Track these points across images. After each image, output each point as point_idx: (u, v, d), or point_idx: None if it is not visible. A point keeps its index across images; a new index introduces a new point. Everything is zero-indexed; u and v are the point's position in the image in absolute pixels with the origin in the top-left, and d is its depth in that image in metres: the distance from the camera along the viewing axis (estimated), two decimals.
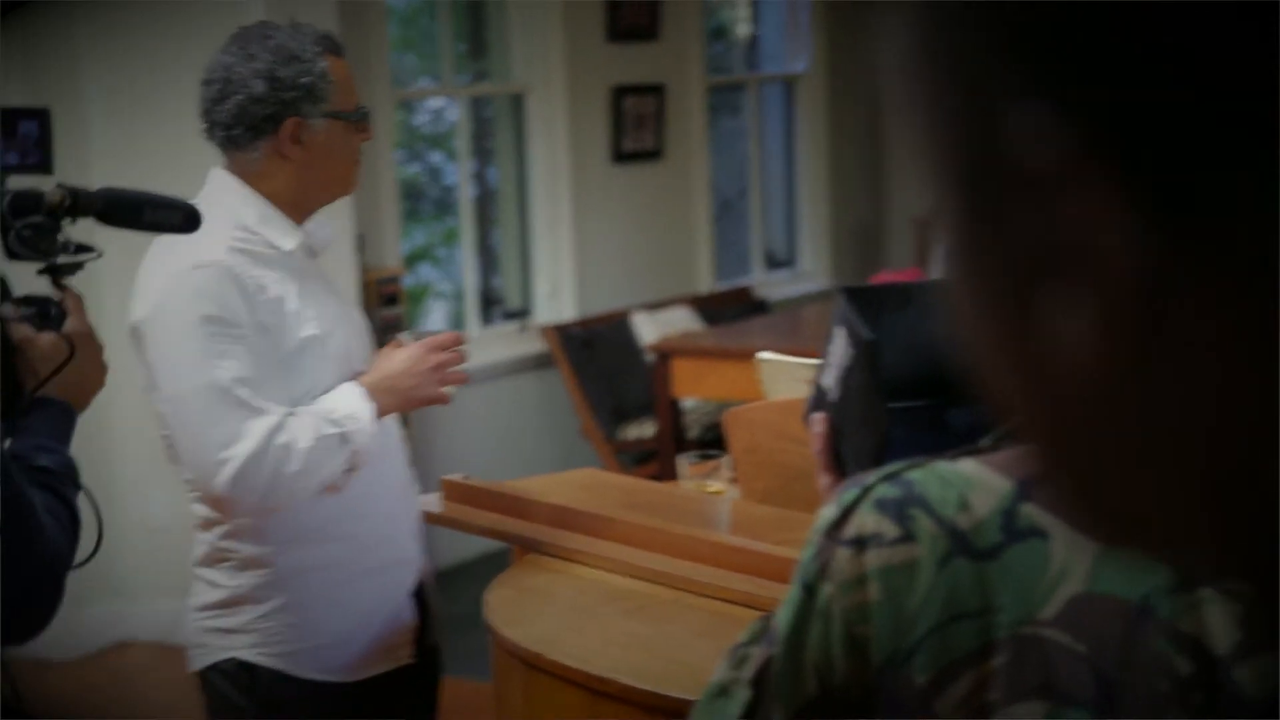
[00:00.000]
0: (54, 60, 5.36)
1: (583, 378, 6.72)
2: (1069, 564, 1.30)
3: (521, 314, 7.10)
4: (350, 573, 2.60)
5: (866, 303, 1.58)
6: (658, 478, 5.84)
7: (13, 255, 2.01)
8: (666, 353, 6.17)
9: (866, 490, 1.38)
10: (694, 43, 7.60)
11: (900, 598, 1.32)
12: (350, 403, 2.52)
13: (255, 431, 2.42)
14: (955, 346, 1.82)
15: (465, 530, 2.94)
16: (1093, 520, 0.62)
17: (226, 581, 2.57)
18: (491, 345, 6.80)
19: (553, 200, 7.00)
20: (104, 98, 5.38)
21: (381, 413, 2.55)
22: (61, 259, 2.03)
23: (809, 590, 1.39)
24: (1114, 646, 1.29)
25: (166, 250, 2.49)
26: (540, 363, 6.89)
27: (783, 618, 1.41)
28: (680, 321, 7.11)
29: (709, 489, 3.12)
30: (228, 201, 2.54)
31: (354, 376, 2.58)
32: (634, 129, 7.30)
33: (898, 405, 1.56)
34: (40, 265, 2.03)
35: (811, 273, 8.65)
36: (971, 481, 1.34)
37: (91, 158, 5.45)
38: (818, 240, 8.67)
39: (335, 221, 3.10)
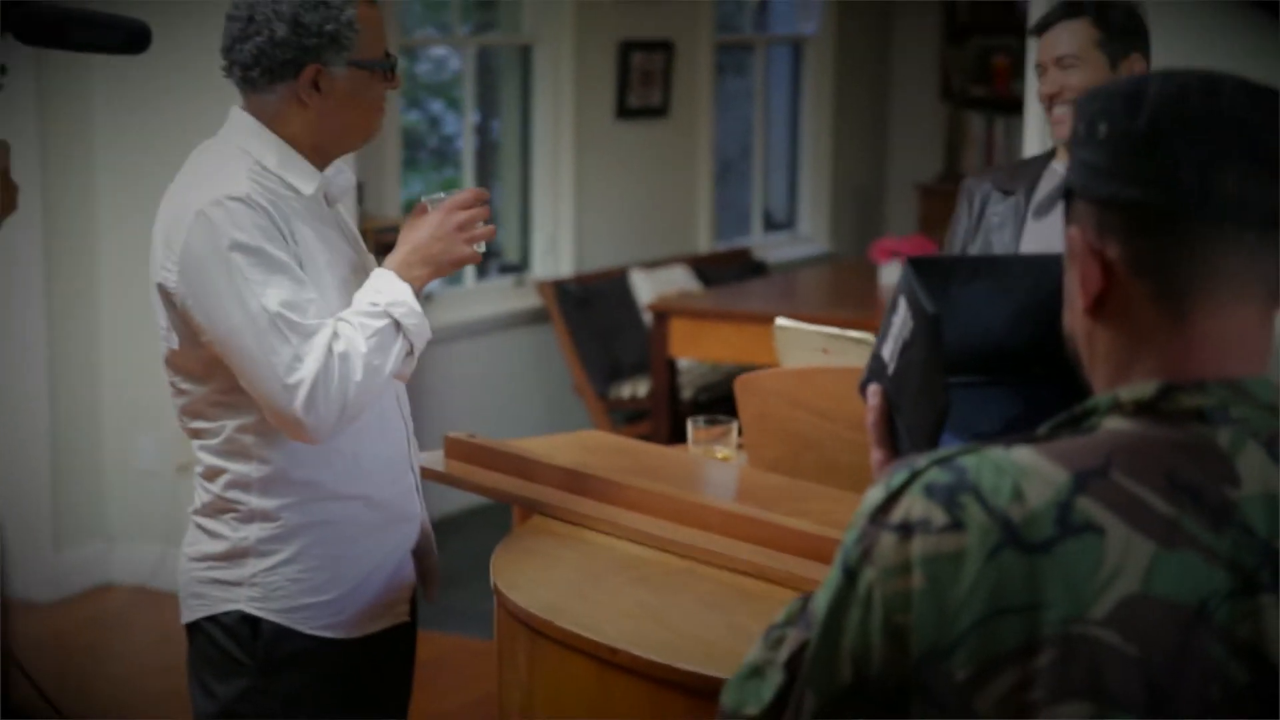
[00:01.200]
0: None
1: (577, 334, 6.67)
2: (1124, 562, 1.25)
3: (518, 268, 7.05)
4: (357, 529, 2.56)
5: (932, 275, 1.53)
6: (649, 437, 5.81)
7: None
8: (664, 312, 6.13)
9: (916, 474, 1.34)
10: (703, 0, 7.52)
11: (944, 588, 1.28)
12: (388, 289, 2.47)
13: (316, 350, 2.38)
14: (1028, 322, 1.74)
15: (469, 490, 2.89)
16: None
17: (230, 533, 2.52)
18: (487, 299, 6.74)
19: (555, 155, 6.94)
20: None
21: (420, 283, 2.51)
22: None
23: (850, 575, 1.34)
24: (1167, 651, 1.25)
25: (184, 193, 2.44)
26: (535, 318, 6.83)
27: (821, 601, 1.37)
28: (678, 281, 7.06)
29: (717, 454, 3.08)
30: (245, 142, 2.48)
31: None
32: (640, 85, 7.24)
33: (956, 381, 1.51)
34: None
35: (810, 236, 8.60)
36: (1027, 470, 1.30)
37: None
38: (818, 203, 8.61)
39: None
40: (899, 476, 1.34)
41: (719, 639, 2.22)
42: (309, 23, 2.42)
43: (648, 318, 6.70)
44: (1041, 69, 3.20)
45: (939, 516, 1.29)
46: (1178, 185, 1.28)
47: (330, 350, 2.38)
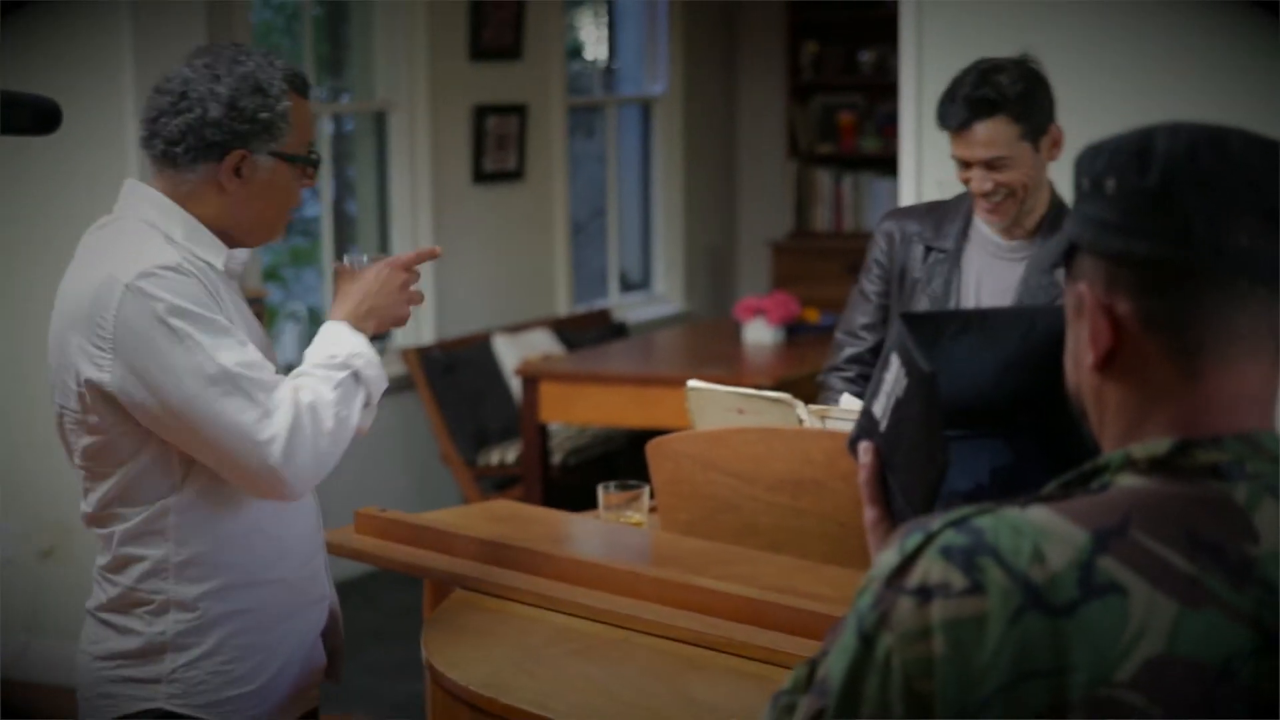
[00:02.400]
0: None
1: (443, 402, 6.60)
2: (1148, 623, 1.24)
3: (380, 336, 6.94)
4: (275, 615, 2.47)
5: (924, 330, 1.52)
6: (523, 502, 5.75)
7: None
8: (533, 376, 6.09)
9: (931, 536, 1.32)
10: (556, 63, 7.54)
11: (967, 653, 1.26)
12: (346, 341, 2.44)
13: (282, 403, 2.33)
14: (1014, 373, 1.73)
15: (384, 566, 2.83)
16: None
17: (143, 628, 2.42)
18: None
19: (413, 220, 6.88)
20: None
21: (368, 335, 2.48)
22: None
23: (866, 640, 1.32)
24: (1192, 711, 1.25)
25: (95, 271, 2.34)
26: (397, 386, 6.74)
27: (835, 668, 1.34)
28: (541, 344, 7.03)
29: (628, 520, 3.05)
30: (149, 216, 2.40)
31: None
32: (496, 149, 7.22)
33: (950, 434, 1.50)
34: None
35: (666, 295, 8.63)
36: (1045, 531, 1.29)
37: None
38: (672, 263, 8.65)
39: None
40: (913, 539, 1.32)
41: (667, 708, 2.19)
42: (244, 107, 2.37)
43: (514, 383, 6.66)
44: (964, 164, 3.18)
45: (958, 580, 1.27)
46: (1191, 240, 1.29)
47: (296, 401, 2.34)
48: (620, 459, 6.72)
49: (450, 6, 6.94)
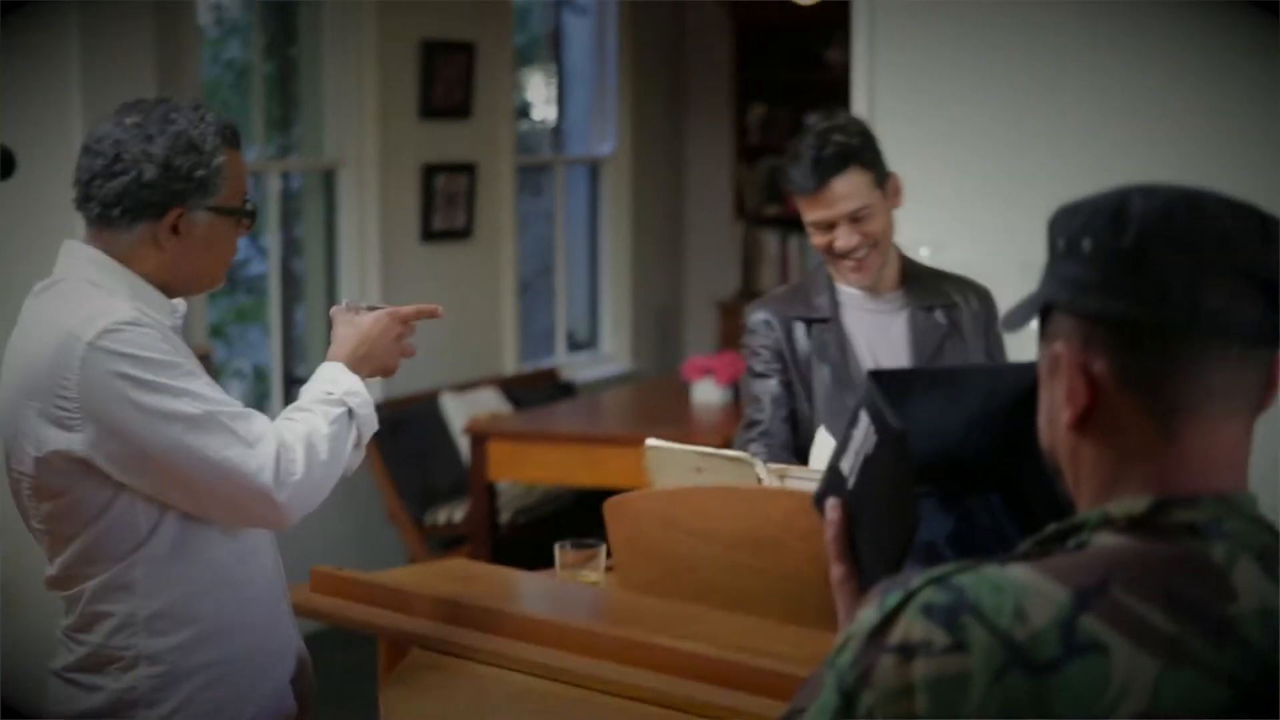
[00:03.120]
0: None
1: (390, 460, 6.56)
2: (1130, 682, 1.25)
3: None
4: (245, 666, 2.45)
5: (892, 388, 1.53)
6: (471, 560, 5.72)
7: None
8: (481, 435, 6.07)
9: (911, 594, 1.32)
10: (505, 122, 7.56)
11: (950, 710, 1.26)
12: (342, 380, 2.47)
13: (264, 432, 2.35)
14: (979, 431, 1.74)
15: (341, 624, 2.80)
16: None
17: (112, 684, 2.39)
18: None
19: (362, 278, 6.86)
20: None
21: (363, 378, 2.51)
22: None
23: (847, 698, 1.32)
24: None
25: (47, 335, 2.32)
26: None
27: None
28: (488, 403, 7.01)
29: (585, 579, 3.03)
30: (95, 276, 2.39)
31: None
32: (445, 207, 7.22)
33: (917, 491, 1.51)
34: None
35: (613, 354, 8.63)
36: (1026, 589, 1.29)
37: None
38: (619, 322, 8.66)
39: None
40: (893, 597, 1.32)
41: None
42: (179, 166, 2.37)
43: (462, 441, 6.63)
44: (825, 226, 3.16)
45: (940, 638, 1.27)
46: (1168, 300, 1.30)
47: (281, 432, 2.36)
48: (568, 518, 6.70)
49: (400, 65, 6.95)
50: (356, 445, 2.48)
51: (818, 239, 3.19)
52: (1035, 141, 4.53)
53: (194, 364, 2.41)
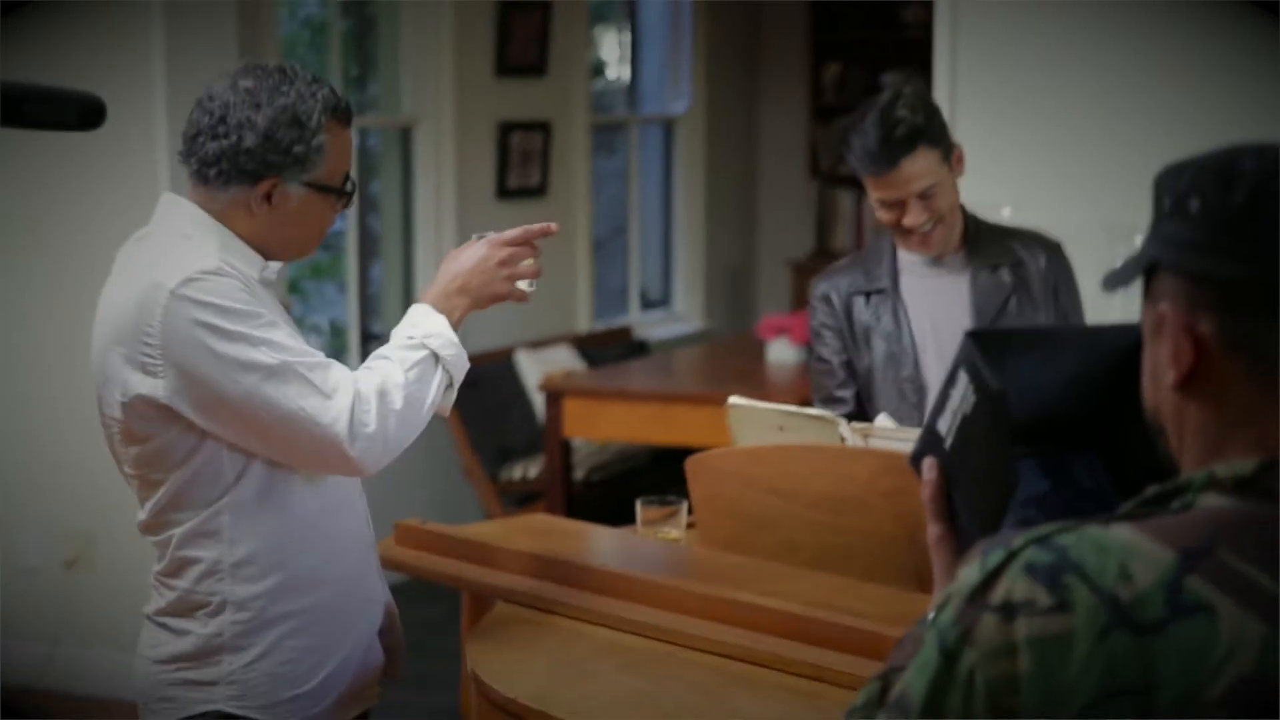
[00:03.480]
0: None
1: (466, 417, 6.60)
2: (1237, 643, 1.24)
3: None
4: (330, 615, 2.49)
5: (991, 347, 1.52)
6: None
7: None
8: (557, 393, 6.09)
9: (1014, 553, 1.32)
10: (580, 81, 7.55)
11: (1054, 670, 1.26)
12: (424, 322, 2.45)
13: (341, 384, 2.36)
14: (1078, 391, 1.72)
15: (426, 578, 2.83)
16: None
17: (200, 629, 2.43)
18: None
19: (438, 235, 6.89)
20: None
21: (457, 315, 2.48)
22: None
23: (949, 657, 1.32)
24: None
25: (138, 281, 2.36)
26: None
27: (916, 684, 1.34)
28: (563, 361, 7.03)
29: (666, 535, 3.05)
30: (188, 228, 2.42)
31: None
32: (520, 165, 7.23)
33: (1016, 451, 1.50)
34: None
35: (686, 313, 8.63)
36: (1130, 549, 1.28)
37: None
38: (692, 281, 8.65)
39: None
40: (995, 555, 1.32)
41: None
42: (280, 139, 2.38)
43: (536, 398, 6.66)
44: (895, 204, 3.14)
45: (1044, 597, 1.27)
46: (1276, 261, 1.29)
47: (358, 382, 2.37)
48: (642, 475, 6.72)
49: (476, 23, 6.96)
50: (448, 387, 2.47)
51: (885, 215, 3.18)
52: (1117, 105, 4.50)
53: (278, 315, 2.43)
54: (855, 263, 3.36)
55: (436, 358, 2.44)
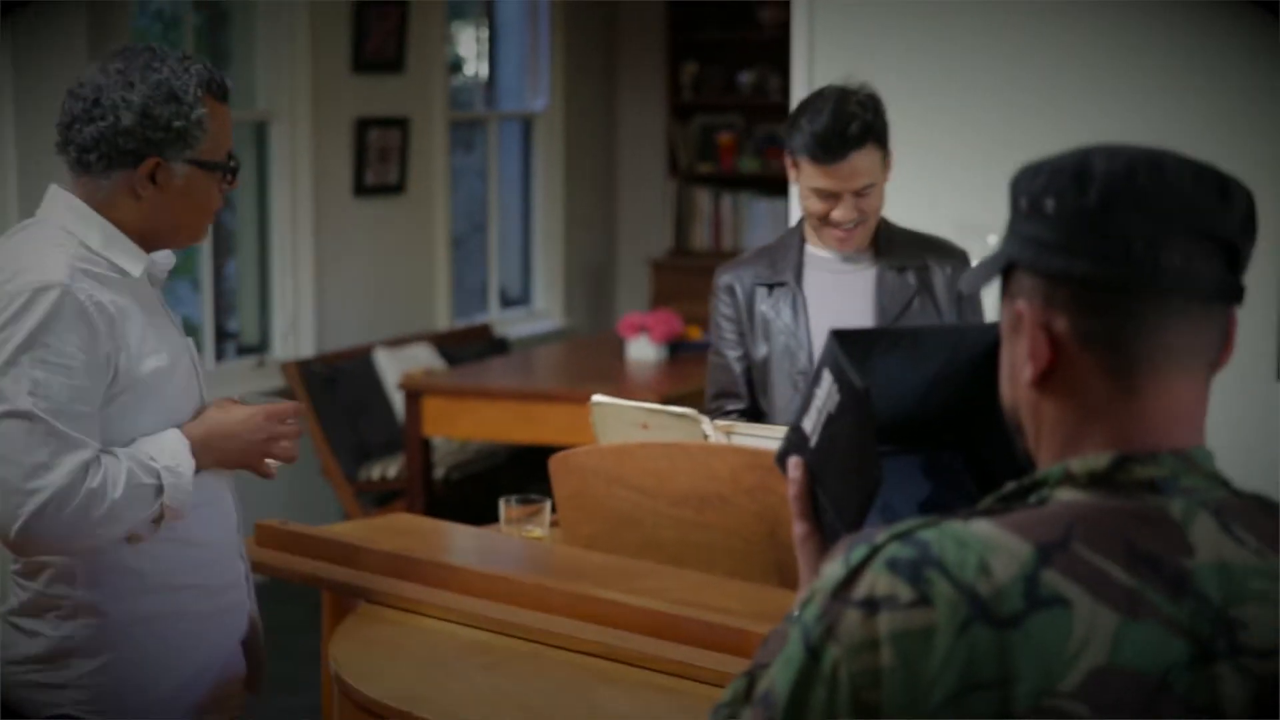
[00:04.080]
0: None
1: (323, 416, 6.54)
2: (1091, 634, 1.27)
3: (258, 349, 6.88)
4: (188, 622, 2.45)
5: (855, 347, 1.54)
6: None
7: None
8: (416, 391, 6.06)
9: (876, 549, 1.34)
10: (438, 77, 7.52)
11: (915, 664, 1.28)
12: (173, 453, 2.37)
13: (68, 465, 2.26)
14: (939, 390, 1.76)
15: (288, 578, 2.81)
16: None
17: (51, 631, 2.39)
18: (227, 381, 6.55)
19: (294, 233, 6.82)
20: None
21: (204, 467, 2.42)
22: None
23: (813, 652, 1.33)
24: None
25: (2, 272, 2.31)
26: (277, 399, 6.66)
27: (781, 679, 1.36)
28: (422, 359, 6.99)
29: (530, 534, 3.05)
30: (69, 222, 2.37)
31: (194, 412, 2.44)
32: (377, 162, 7.18)
33: (879, 450, 1.53)
34: None
35: (545, 311, 8.63)
36: (990, 544, 1.31)
37: None
38: (551, 279, 8.65)
39: None
40: (858, 551, 1.34)
41: None
42: (158, 116, 2.34)
43: (396, 397, 6.61)
44: (829, 196, 3.18)
45: (905, 592, 1.29)
46: (1129, 259, 1.32)
47: (83, 474, 2.27)
48: (502, 474, 6.71)
49: (332, 17, 6.90)
50: (155, 521, 2.37)
51: (815, 205, 3.20)
52: (974, 103, 4.56)
53: (112, 346, 2.34)
54: (762, 255, 3.40)
55: (160, 491, 2.35)
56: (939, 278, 3.29)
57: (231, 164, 2.45)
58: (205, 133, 2.38)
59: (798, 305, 3.26)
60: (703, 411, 3.15)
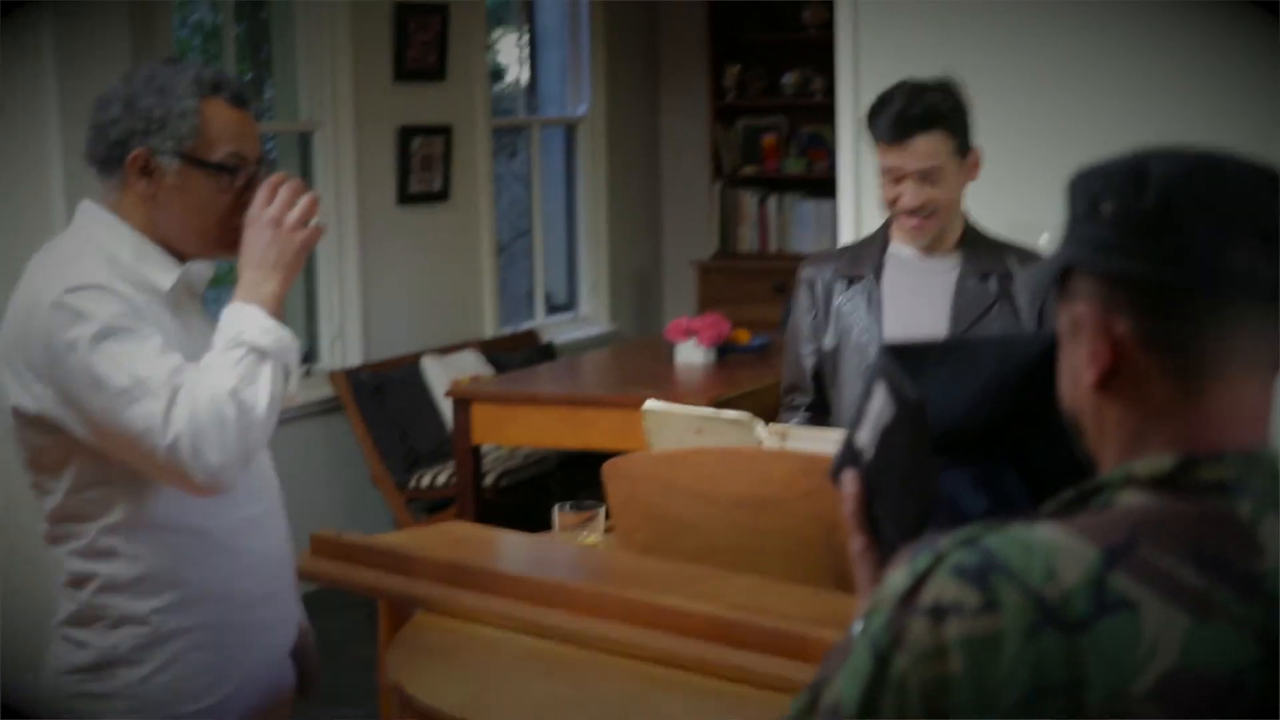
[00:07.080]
0: None
1: (372, 424, 6.56)
2: (1161, 637, 1.27)
3: (306, 358, 6.92)
4: (234, 633, 2.45)
5: (907, 359, 1.54)
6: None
7: None
8: (465, 398, 6.06)
9: (941, 556, 1.33)
10: (479, 84, 7.53)
11: (984, 670, 1.28)
12: (237, 319, 2.34)
13: (180, 404, 2.25)
14: (990, 400, 1.75)
15: (345, 589, 2.81)
16: None
17: (98, 641, 2.40)
18: None
19: (339, 242, 6.85)
20: None
21: (275, 296, 2.38)
22: None
23: (881, 661, 1.33)
24: None
25: (32, 291, 2.34)
26: (325, 409, 6.70)
27: (849, 690, 1.35)
28: (469, 366, 7.01)
29: (584, 541, 3.05)
30: (97, 234, 2.39)
31: None
32: (421, 170, 7.20)
33: (939, 461, 1.52)
34: None
35: (591, 317, 8.64)
36: (1055, 548, 1.31)
37: None
38: (597, 284, 8.66)
39: None
40: (923, 559, 1.34)
41: None
42: (140, 105, 2.36)
43: (444, 404, 6.63)
44: (896, 176, 3.23)
45: (972, 598, 1.29)
46: (1189, 261, 1.31)
47: (195, 400, 2.26)
48: (552, 480, 6.72)
49: (374, 27, 6.92)
50: (285, 375, 2.36)
51: (886, 190, 3.27)
52: (1026, 109, 4.54)
53: (176, 330, 2.38)
54: (846, 250, 3.50)
55: (260, 351, 2.33)
56: (1021, 285, 3.30)
57: (230, 165, 2.39)
58: (193, 128, 2.35)
59: (873, 301, 3.31)
60: (781, 407, 3.20)
